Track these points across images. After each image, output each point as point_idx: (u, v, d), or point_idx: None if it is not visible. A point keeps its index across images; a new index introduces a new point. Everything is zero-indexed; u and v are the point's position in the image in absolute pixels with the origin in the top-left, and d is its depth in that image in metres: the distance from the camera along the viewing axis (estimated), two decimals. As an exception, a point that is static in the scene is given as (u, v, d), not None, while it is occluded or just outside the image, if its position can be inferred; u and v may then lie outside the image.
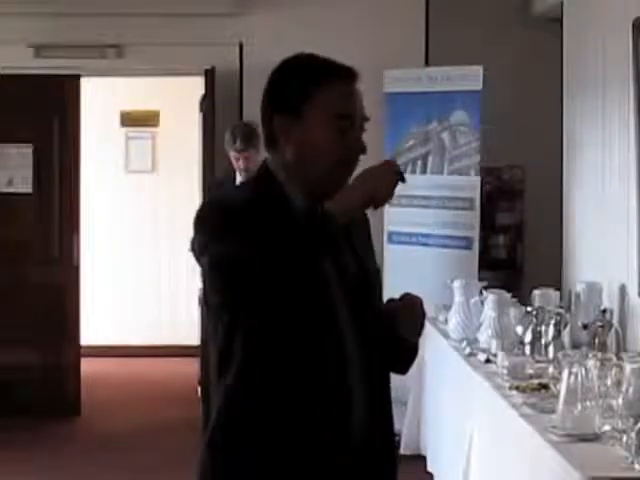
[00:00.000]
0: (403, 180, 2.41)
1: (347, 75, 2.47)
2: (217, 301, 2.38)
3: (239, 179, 6.23)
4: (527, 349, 4.69)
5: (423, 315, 2.56)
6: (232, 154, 6.25)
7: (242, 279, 2.28)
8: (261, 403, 2.38)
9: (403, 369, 2.65)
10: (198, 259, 2.42)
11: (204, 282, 2.42)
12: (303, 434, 2.37)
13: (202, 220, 2.44)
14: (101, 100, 9.80)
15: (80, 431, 7.52)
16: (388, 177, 2.39)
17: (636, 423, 3.12)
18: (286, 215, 2.40)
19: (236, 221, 2.36)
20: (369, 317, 2.48)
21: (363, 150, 2.47)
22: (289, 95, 2.45)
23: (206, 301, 2.44)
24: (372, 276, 2.57)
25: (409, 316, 2.53)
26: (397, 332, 2.50)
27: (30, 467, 6.49)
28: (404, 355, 2.62)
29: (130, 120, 10.19)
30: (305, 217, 2.34)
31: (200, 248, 2.40)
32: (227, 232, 2.34)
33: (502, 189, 7.48)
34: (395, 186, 2.40)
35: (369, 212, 2.49)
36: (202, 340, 7.33)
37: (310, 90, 2.43)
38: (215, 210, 2.44)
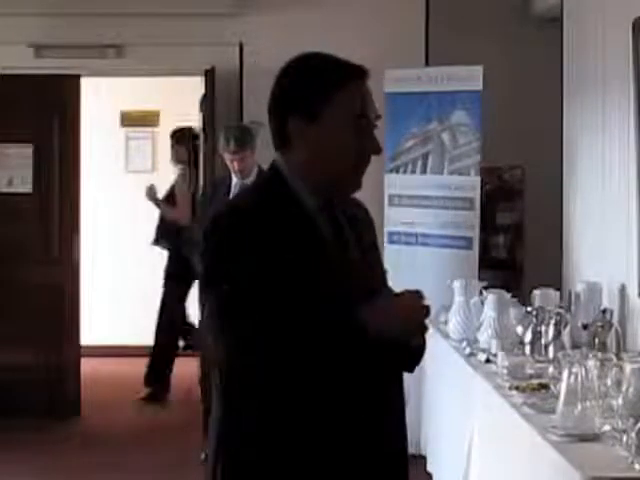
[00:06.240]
0: (428, 314, 2.49)
1: (362, 74, 2.47)
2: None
3: (235, 180, 6.25)
4: (527, 349, 4.69)
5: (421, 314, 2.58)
6: (226, 156, 6.28)
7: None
8: (297, 415, 2.36)
9: (410, 368, 2.69)
10: (203, 288, 2.43)
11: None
12: (341, 441, 2.36)
13: (213, 243, 2.40)
14: (101, 100, 9.80)
15: (80, 431, 7.52)
16: (419, 312, 2.54)
17: (636, 423, 3.12)
18: (299, 219, 2.41)
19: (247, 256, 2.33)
20: None
21: (378, 149, 2.48)
22: (309, 97, 2.42)
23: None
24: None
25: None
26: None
27: (30, 467, 6.49)
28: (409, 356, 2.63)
29: (130, 120, 10.19)
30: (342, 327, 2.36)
31: (208, 276, 2.40)
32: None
33: (502, 189, 7.48)
34: (425, 320, 2.50)
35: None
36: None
37: (331, 92, 2.41)
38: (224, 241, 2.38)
